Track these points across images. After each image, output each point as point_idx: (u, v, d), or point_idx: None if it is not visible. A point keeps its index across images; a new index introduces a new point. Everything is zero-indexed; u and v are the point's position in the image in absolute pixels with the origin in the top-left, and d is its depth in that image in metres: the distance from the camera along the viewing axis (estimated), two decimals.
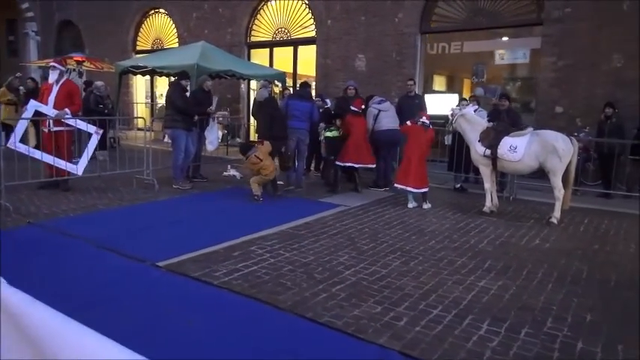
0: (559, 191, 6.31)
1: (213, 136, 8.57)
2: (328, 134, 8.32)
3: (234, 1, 14.57)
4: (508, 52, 10.67)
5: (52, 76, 7.11)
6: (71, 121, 7.25)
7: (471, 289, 4.12)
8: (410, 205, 7.19)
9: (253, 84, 14.82)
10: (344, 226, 6.02)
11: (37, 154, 7.08)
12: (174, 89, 7.78)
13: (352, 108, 8.15)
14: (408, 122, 7.37)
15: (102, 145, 10.04)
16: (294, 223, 6.12)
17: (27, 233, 5.35)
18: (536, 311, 3.74)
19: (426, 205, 7.17)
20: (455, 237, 5.72)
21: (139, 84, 17.94)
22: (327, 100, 9.72)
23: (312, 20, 13.37)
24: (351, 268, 4.55)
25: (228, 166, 9.52)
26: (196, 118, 7.96)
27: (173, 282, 4.15)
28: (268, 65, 13.90)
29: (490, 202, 6.91)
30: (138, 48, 17.70)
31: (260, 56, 14.54)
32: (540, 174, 6.78)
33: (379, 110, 8.82)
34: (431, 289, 4.11)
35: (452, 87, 12.58)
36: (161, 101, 18.06)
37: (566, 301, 3.94)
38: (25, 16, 21.18)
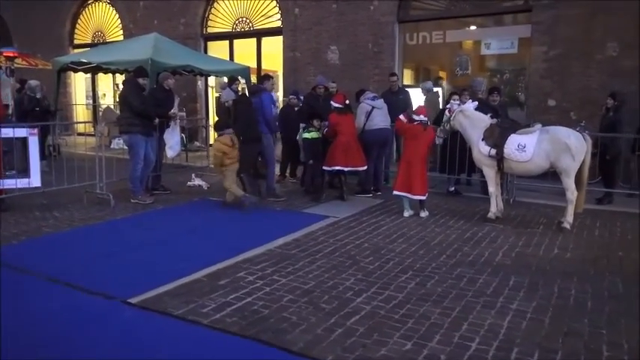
0: (572, 193, 6.17)
1: (174, 140, 8.04)
2: (306, 136, 7.92)
3: None
4: (494, 42, 10.59)
5: None
6: None
7: (504, 314, 3.84)
8: (406, 214, 6.90)
9: (212, 80, 14.29)
10: (339, 242, 5.66)
11: None
12: (131, 88, 7.20)
13: (335, 105, 7.81)
14: (402, 117, 7.01)
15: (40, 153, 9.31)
16: (281, 240, 5.71)
17: None
18: (586, 337, 3.50)
19: (424, 213, 6.90)
20: (466, 249, 5.46)
21: (78, 83, 17.03)
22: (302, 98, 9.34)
23: (277, 9, 12.97)
24: (361, 294, 4.19)
25: (192, 174, 8.99)
26: (157, 121, 7.41)
27: (152, 323, 3.67)
28: (228, 59, 13.37)
29: (495, 207, 6.71)
30: (76, 42, 16.81)
31: (218, 49, 13.99)
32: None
33: (372, 107, 8.51)
34: (460, 315, 3.80)
35: (433, 80, 12.41)
36: (104, 102, 17.24)
37: (614, 323, 3.72)
38: None
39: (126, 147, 8.14)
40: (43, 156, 9.44)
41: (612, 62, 9.23)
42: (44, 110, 9.81)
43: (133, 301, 4.00)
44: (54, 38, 16.54)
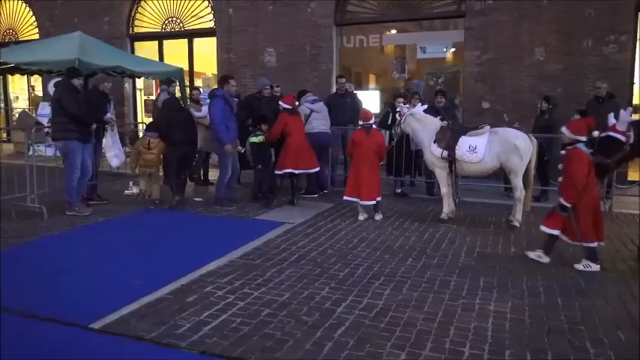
0: (520, 192, 6.38)
1: (118, 147, 7.46)
2: (253, 139, 7.65)
3: None
4: (430, 46, 10.85)
5: None
6: None
7: (485, 316, 3.86)
8: (361, 217, 6.86)
9: (140, 83, 13.59)
10: (302, 249, 5.48)
11: None
12: (64, 91, 6.59)
13: (285, 105, 7.62)
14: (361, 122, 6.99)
15: None
16: (241, 249, 5.46)
17: None
18: (567, 334, 3.57)
19: (378, 216, 6.88)
20: (429, 252, 5.48)
21: None
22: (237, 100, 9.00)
23: (209, 9, 12.55)
24: (340, 303, 4.06)
25: (130, 183, 8.42)
26: (94, 126, 6.87)
27: (122, 350, 3.32)
28: (158, 60, 12.75)
29: (447, 207, 6.82)
30: None
31: (147, 50, 13.32)
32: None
33: (311, 110, 8.40)
34: (444, 320, 3.77)
35: (371, 83, 12.55)
36: (17, 106, 15.93)
37: (588, 318, 3.83)
38: None
39: (46, 155, 7.56)
40: None
41: (540, 66, 9.73)
42: None
43: (96, 326, 3.62)
44: None
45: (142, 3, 13.32)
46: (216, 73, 12.61)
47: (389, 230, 6.35)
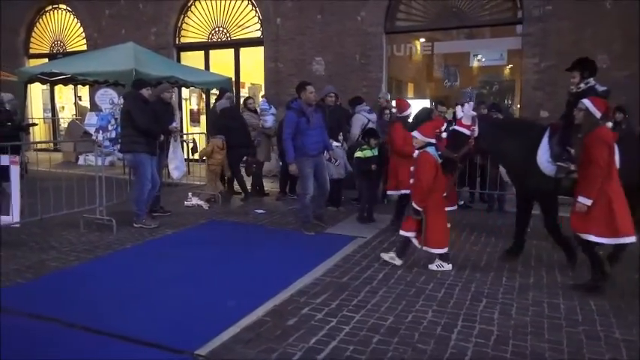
0: None
1: (179, 159, 7.27)
2: (359, 154, 6.96)
3: None
4: (484, 53, 10.49)
5: None
6: None
7: (615, 346, 3.50)
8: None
9: (185, 92, 13.48)
10: (386, 267, 5.14)
11: None
12: (135, 102, 6.41)
13: (402, 114, 6.64)
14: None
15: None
16: (322, 266, 5.18)
17: None
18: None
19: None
20: (520, 270, 5.13)
21: (35, 95, 15.64)
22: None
23: (256, 19, 12.38)
24: (451, 329, 3.74)
25: (189, 194, 8.24)
26: (162, 138, 6.69)
27: None
28: (205, 70, 12.64)
29: None
30: (32, 52, 15.48)
31: (193, 60, 13.19)
32: None
33: (368, 120, 8.12)
34: (571, 350, 3.43)
35: (421, 91, 12.22)
36: (64, 116, 15.98)
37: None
38: None
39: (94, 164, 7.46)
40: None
41: (603, 74, 9.27)
42: (16, 126, 8.72)
43: (202, 352, 3.37)
44: (6, 48, 15.10)
45: (189, 13, 13.22)
46: (263, 82, 12.40)
47: (467, 245, 6.01)
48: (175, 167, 7.24)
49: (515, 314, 4.03)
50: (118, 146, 8.03)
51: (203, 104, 14.04)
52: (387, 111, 8.54)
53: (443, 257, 5.06)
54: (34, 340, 3.54)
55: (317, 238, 6.40)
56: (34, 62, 14.95)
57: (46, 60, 14.44)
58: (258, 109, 9.42)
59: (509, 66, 10.67)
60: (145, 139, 6.41)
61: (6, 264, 5.13)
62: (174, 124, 7.25)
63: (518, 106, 10.42)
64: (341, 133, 7.96)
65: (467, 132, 5.14)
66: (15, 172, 6.01)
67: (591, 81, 4.97)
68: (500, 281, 4.79)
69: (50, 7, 15.05)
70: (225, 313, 4.00)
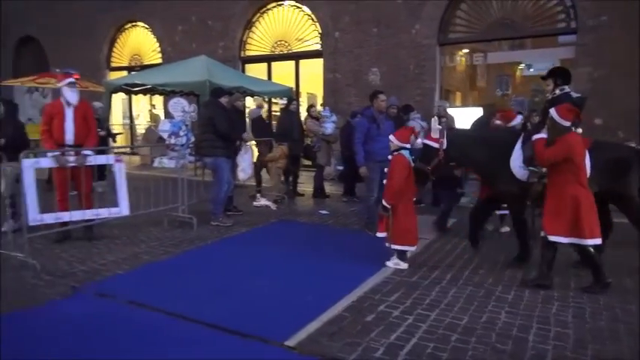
0: None
1: (247, 162, 7.38)
2: None
3: (225, 12, 13.41)
4: (536, 63, 10.14)
5: (73, 96, 5.75)
6: (91, 157, 5.89)
7: None
8: (490, 228, 6.43)
9: (249, 101, 13.68)
10: (452, 268, 5.04)
11: (66, 216, 5.66)
12: (216, 109, 6.54)
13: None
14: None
15: (100, 174, 8.66)
16: (389, 264, 5.10)
17: (81, 305, 4.04)
18: None
19: (505, 229, 6.39)
20: (583, 273, 4.89)
21: (115, 104, 16.26)
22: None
23: (315, 32, 12.43)
24: (527, 330, 3.61)
25: (257, 195, 8.35)
26: (238, 143, 6.80)
27: None
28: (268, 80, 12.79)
29: None
30: (113, 65, 16.11)
31: (256, 71, 13.35)
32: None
33: (422, 127, 7.99)
34: None
35: (475, 100, 11.94)
36: (139, 123, 16.55)
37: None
38: None
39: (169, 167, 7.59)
40: (103, 176, 8.84)
41: None
42: (106, 133, 9.08)
43: (291, 343, 3.38)
44: (91, 61, 15.80)
45: (253, 29, 13.43)
46: (321, 92, 12.44)
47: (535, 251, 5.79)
48: (242, 169, 7.34)
49: (589, 318, 3.84)
50: (189, 150, 8.24)
51: (266, 112, 14.22)
52: (443, 119, 8.41)
53: (401, 255, 5.03)
54: (139, 327, 3.65)
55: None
56: (114, 75, 15.54)
57: (125, 72, 15.00)
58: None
59: None
60: (224, 144, 6.54)
61: (104, 256, 5.35)
62: (246, 134, 7.36)
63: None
64: None
65: (435, 145, 5.18)
66: (120, 168, 6.23)
67: (566, 88, 4.97)
68: (569, 284, 4.59)
69: (129, 25, 15.63)
70: (305, 307, 4.01)
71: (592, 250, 4.28)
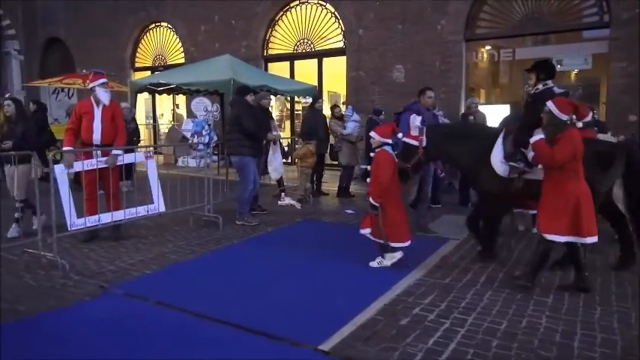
0: None
1: (277, 162, 7.30)
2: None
3: (248, 12, 13.38)
4: (567, 58, 9.84)
5: (106, 96, 5.74)
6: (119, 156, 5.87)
7: None
8: (521, 228, 6.24)
9: (272, 99, 13.64)
10: (487, 269, 4.88)
11: (108, 218, 5.68)
12: (242, 108, 6.47)
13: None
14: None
15: (126, 173, 8.67)
16: (422, 267, 4.97)
17: (110, 305, 4.00)
18: None
19: (535, 230, 6.16)
20: (627, 276, 4.68)
21: (139, 103, 16.38)
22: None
23: (338, 30, 12.32)
24: (570, 337, 3.44)
25: (282, 194, 8.27)
26: (265, 142, 6.73)
27: None
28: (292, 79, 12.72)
29: None
30: (137, 65, 16.25)
31: (279, 70, 13.31)
32: None
33: None
34: None
35: (502, 97, 11.67)
36: (162, 122, 16.66)
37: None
38: (5, 33, 19.38)
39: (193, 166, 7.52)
40: (129, 175, 8.87)
41: None
42: (130, 132, 9.09)
43: (325, 348, 3.27)
44: (115, 62, 15.96)
45: (276, 27, 13.38)
46: (345, 89, 12.32)
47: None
48: (274, 169, 7.27)
49: (635, 324, 3.65)
50: (210, 150, 8.22)
51: (287, 111, 14.19)
52: (472, 117, 8.22)
53: (388, 251, 4.87)
54: (167, 328, 3.59)
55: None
56: (138, 74, 15.68)
57: (148, 72, 15.12)
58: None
59: (592, 70, 9.93)
60: (251, 143, 6.47)
61: (132, 255, 5.33)
62: (274, 133, 7.28)
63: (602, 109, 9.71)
64: None
65: (415, 143, 5.14)
66: (152, 165, 6.22)
67: (549, 83, 4.77)
68: (610, 288, 4.39)
69: (153, 25, 15.73)
70: (337, 309, 3.90)
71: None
